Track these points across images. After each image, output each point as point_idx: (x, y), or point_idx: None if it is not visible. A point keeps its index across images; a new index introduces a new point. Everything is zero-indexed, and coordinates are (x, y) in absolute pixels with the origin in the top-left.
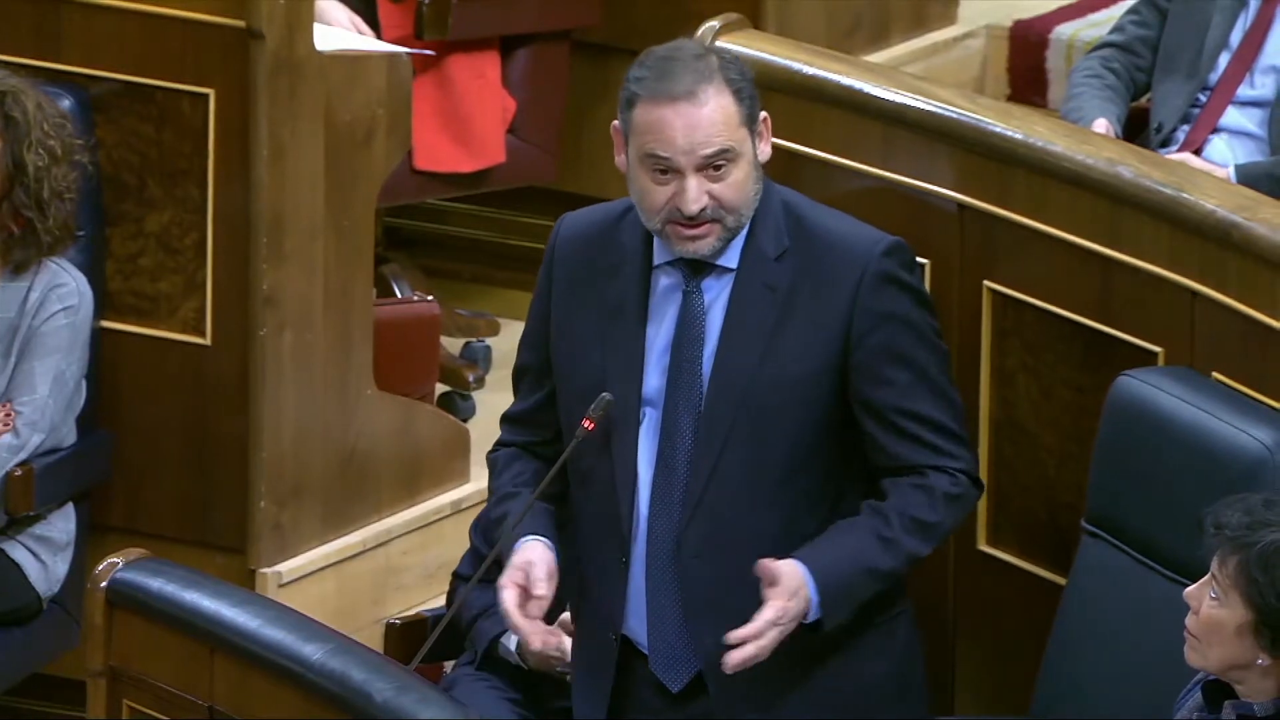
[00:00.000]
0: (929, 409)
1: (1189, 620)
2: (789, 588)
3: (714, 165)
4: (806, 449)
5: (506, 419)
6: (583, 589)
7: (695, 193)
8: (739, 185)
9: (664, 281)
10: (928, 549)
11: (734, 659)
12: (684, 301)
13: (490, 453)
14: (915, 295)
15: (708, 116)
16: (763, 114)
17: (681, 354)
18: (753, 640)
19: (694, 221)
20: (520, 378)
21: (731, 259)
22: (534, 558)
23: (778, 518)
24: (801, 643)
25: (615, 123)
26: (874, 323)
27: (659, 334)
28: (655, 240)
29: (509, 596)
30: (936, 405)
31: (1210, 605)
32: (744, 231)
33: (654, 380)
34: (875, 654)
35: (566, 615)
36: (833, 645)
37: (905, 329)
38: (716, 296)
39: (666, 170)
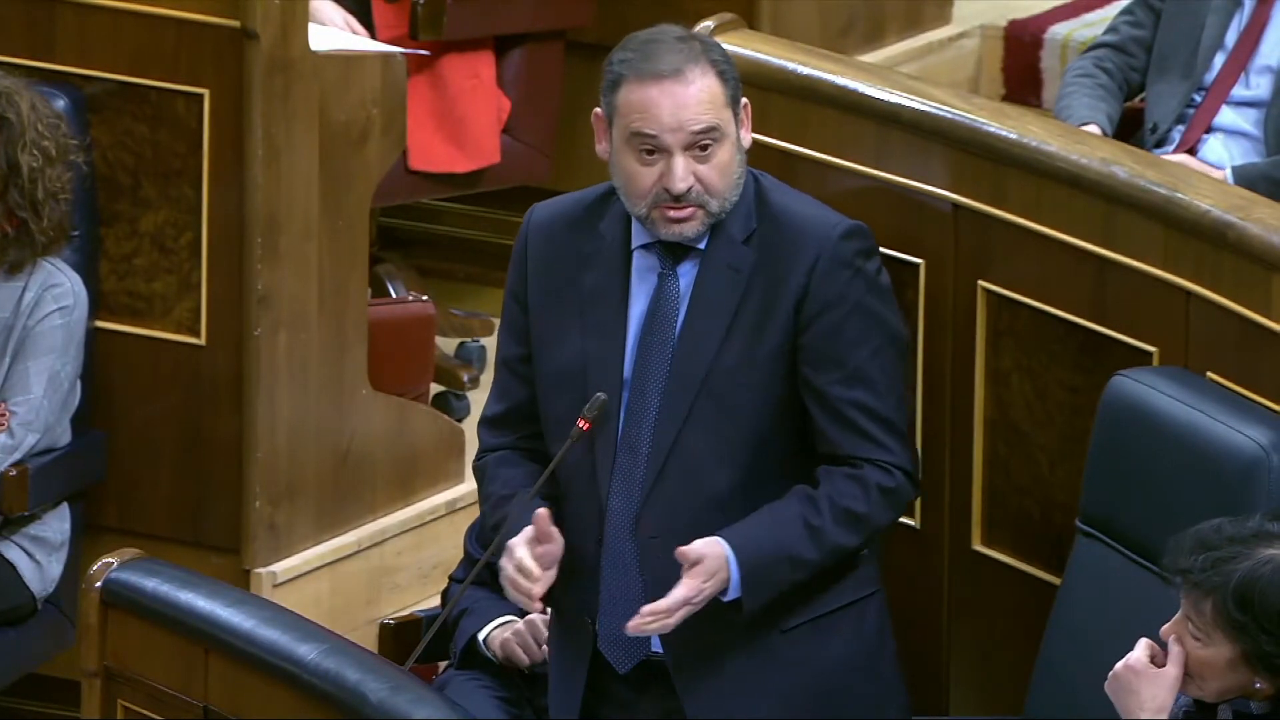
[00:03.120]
0: (869, 398)
1: (1173, 654)
2: (709, 569)
3: (700, 145)
4: (765, 432)
5: (486, 423)
6: (562, 578)
7: (682, 171)
8: (724, 167)
9: (641, 265)
10: (855, 540)
11: (633, 625)
12: (658, 285)
13: (476, 462)
14: (869, 281)
15: (695, 95)
16: (744, 100)
17: (652, 337)
18: (660, 618)
19: (679, 203)
20: (501, 372)
21: (703, 242)
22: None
23: (735, 500)
24: (769, 623)
25: (597, 110)
26: (823, 306)
27: (635, 318)
28: (634, 224)
29: (519, 540)
30: (877, 396)
31: (1195, 646)
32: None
33: (631, 365)
34: (845, 635)
35: (535, 617)
36: (802, 626)
37: (854, 315)
38: (690, 280)
39: (654, 150)
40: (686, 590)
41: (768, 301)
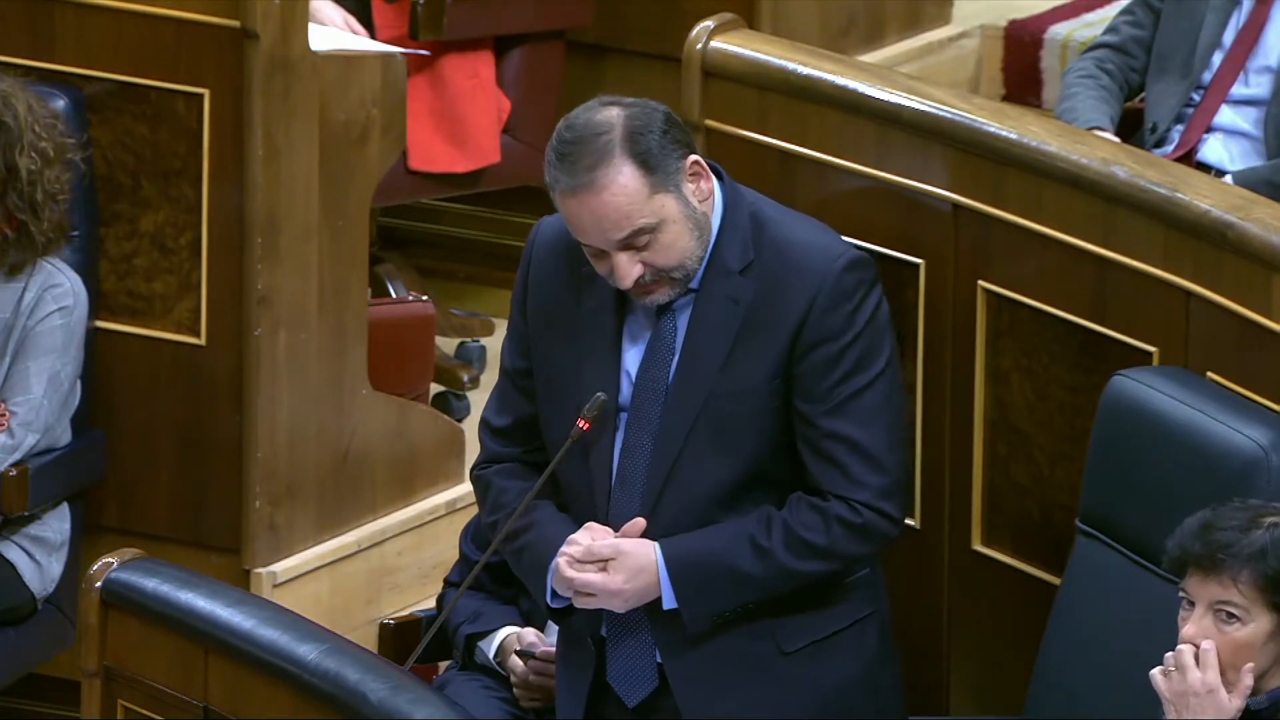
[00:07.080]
0: (854, 432)
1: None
2: (631, 566)
3: (633, 245)
4: (762, 461)
5: (492, 431)
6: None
7: (625, 269)
8: (668, 247)
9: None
10: (819, 567)
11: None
12: (656, 322)
13: (477, 469)
14: (868, 316)
15: (609, 203)
16: (691, 158)
17: (650, 373)
18: (584, 589)
19: (639, 284)
20: (505, 382)
21: (697, 279)
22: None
23: None
24: (769, 644)
25: None
26: (820, 338)
27: (633, 344)
28: None
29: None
30: (865, 428)
31: (1233, 630)
32: (709, 249)
33: (627, 389)
34: (846, 656)
35: (539, 644)
36: (803, 647)
37: (851, 347)
38: (686, 314)
39: (597, 251)
40: (599, 579)
41: (767, 332)
